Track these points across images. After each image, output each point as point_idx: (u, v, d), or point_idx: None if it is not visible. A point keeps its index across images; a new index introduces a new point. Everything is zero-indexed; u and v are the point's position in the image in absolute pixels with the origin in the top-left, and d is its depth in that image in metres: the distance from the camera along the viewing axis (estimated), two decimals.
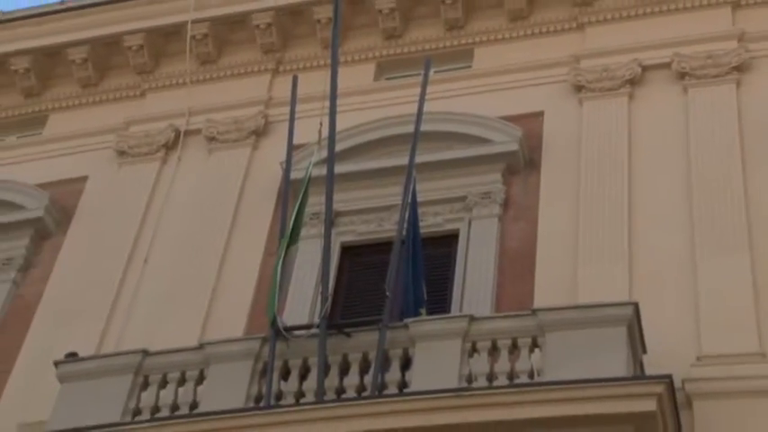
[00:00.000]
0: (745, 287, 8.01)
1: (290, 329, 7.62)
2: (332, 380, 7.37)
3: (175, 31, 10.90)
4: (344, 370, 7.43)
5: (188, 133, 10.44)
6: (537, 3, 10.34)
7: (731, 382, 7.48)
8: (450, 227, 9.04)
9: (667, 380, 6.73)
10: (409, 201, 8.14)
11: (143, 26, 11.12)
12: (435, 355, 7.28)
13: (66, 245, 9.99)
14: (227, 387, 7.48)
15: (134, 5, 11.27)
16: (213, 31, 10.86)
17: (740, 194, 8.56)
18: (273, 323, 7.58)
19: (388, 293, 7.64)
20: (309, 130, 8.77)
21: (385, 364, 7.37)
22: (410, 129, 8.51)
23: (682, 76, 9.48)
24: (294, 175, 8.68)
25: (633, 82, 9.54)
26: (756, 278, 8.04)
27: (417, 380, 7.19)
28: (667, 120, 9.28)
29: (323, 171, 8.39)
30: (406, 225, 8.06)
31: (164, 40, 11.03)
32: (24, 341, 9.35)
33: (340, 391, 7.33)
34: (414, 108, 8.57)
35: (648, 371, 7.24)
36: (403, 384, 7.25)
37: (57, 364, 8.01)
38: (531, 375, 7.09)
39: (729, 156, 8.83)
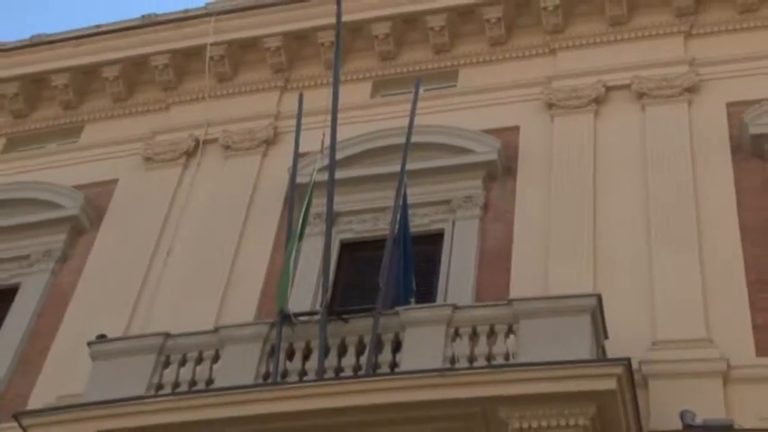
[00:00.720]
0: (695, 281, 8.05)
1: (294, 316, 7.63)
2: (331, 360, 7.41)
3: (196, 53, 10.91)
4: (342, 351, 7.47)
5: (206, 142, 10.47)
6: (514, 30, 10.37)
7: (682, 365, 7.51)
8: (436, 227, 9.07)
9: (626, 362, 6.76)
10: (400, 203, 8.18)
11: (168, 48, 11.15)
12: (422, 339, 7.31)
13: (98, 240, 10.01)
14: (240, 366, 7.52)
15: (161, 30, 11.34)
16: (229, 53, 10.90)
17: (691, 200, 8.60)
18: (281, 309, 7.60)
19: (381, 285, 7.65)
20: (313, 140, 8.80)
21: (378, 346, 7.39)
22: (402, 140, 8.55)
23: (640, 96, 9.51)
24: (299, 179, 8.71)
25: (598, 101, 9.58)
26: (704, 273, 8.09)
27: (406, 361, 7.22)
28: (627, 134, 9.32)
29: (325, 176, 8.43)
30: (397, 225, 8.09)
31: (186, 60, 11.05)
32: (61, 324, 9.37)
33: (338, 370, 7.37)
34: (405, 122, 8.61)
35: (610, 354, 7.28)
36: (394, 364, 7.28)
37: (89, 344, 8.03)
38: (506, 357, 7.12)
39: (681, 166, 8.87)
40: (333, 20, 9.29)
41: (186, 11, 11.36)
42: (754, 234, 8.28)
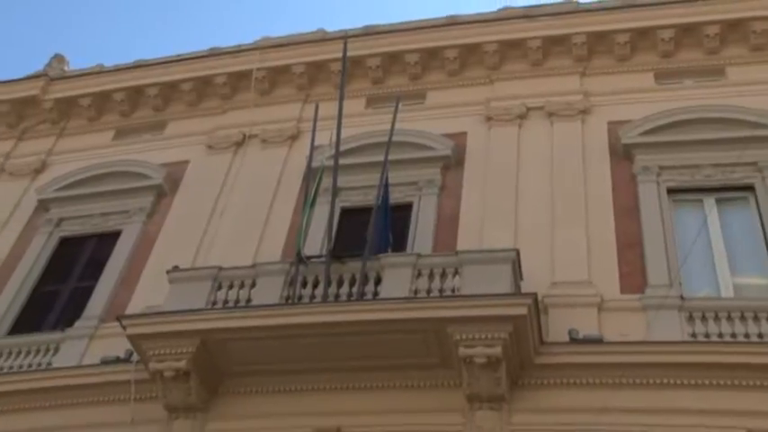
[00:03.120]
0: (582, 243, 7.94)
1: (307, 258, 7.54)
2: (332, 289, 7.33)
3: (246, 75, 10.61)
4: (340, 283, 7.40)
5: (250, 137, 10.20)
6: (465, 66, 10.12)
7: (571, 298, 7.46)
8: (407, 200, 8.89)
9: (533, 296, 6.76)
10: (384, 183, 8.03)
11: (226, 71, 10.76)
12: (396, 277, 7.23)
13: (174, 202, 9.78)
14: (269, 290, 7.41)
15: (223, 58, 10.90)
16: (268, 76, 10.63)
17: (581, 187, 8.40)
18: (298, 253, 7.49)
19: (368, 238, 7.53)
20: (324, 137, 8.62)
21: (365, 280, 7.31)
22: (385, 139, 8.39)
23: (550, 114, 9.33)
24: (314, 164, 8.52)
25: (521, 117, 9.37)
26: (588, 238, 7.98)
27: (384, 291, 7.16)
28: (540, 141, 9.13)
29: (331, 163, 8.29)
30: (381, 198, 7.94)
31: (238, 80, 10.73)
32: (148, 258, 9.18)
33: (337, 295, 7.30)
34: (388, 126, 8.45)
35: (523, 290, 7.17)
36: (375, 293, 7.21)
37: (168, 272, 7.89)
38: (453, 291, 7.05)
39: (576, 164, 8.69)
40: (340, 54, 9.11)
41: (240, 45, 11.09)
42: (622, 212, 8.18)
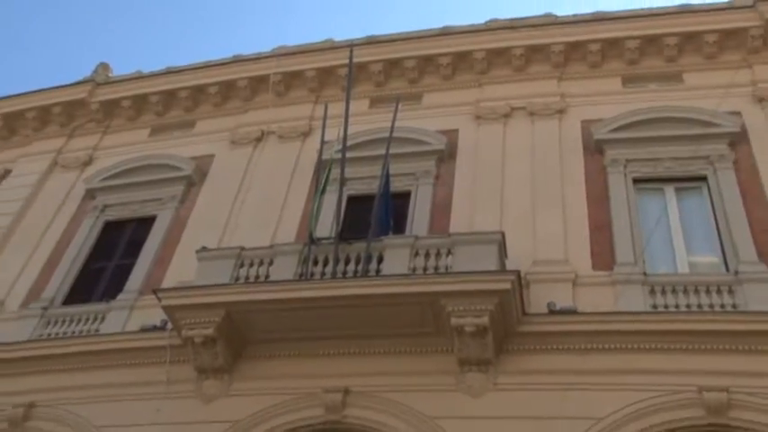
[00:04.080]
0: (559, 226, 7.73)
1: (318, 239, 7.35)
2: (340, 267, 7.14)
3: (264, 79, 10.34)
4: (347, 262, 7.20)
5: (268, 133, 9.95)
6: (457, 72, 9.83)
7: (549, 275, 7.29)
8: (406, 188, 8.66)
9: (517, 273, 6.62)
10: (385, 173, 7.80)
11: (248, 75, 10.45)
12: (396, 256, 7.05)
13: (202, 190, 9.55)
14: (285, 268, 7.23)
15: (246, 64, 10.56)
16: (284, 79, 10.34)
17: (558, 178, 8.21)
18: (310, 235, 7.22)
19: (372, 222, 7.35)
20: (333, 133, 8.37)
21: (368, 259, 7.10)
22: (387, 135, 8.13)
23: (531, 114, 9.07)
24: (324, 157, 8.28)
25: (506, 115, 9.12)
26: (565, 221, 7.77)
27: (386, 269, 6.97)
28: (523, 136, 8.87)
29: (339, 156, 8.03)
30: (383, 187, 7.72)
31: (258, 83, 10.45)
32: (180, 240, 8.96)
33: (344, 273, 7.10)
34: (389, 124, 8.19)
35: (508, 267, 6.94)
36: (378, 270, 7.01)
37: (197, 252, 7.70)
38: (446, 268, 6.87)
39: (554, 156, 8.47)
40: (347, 61, 8.84)
41: (259, 53, 10.76)
42: (594, 199, 7.97)
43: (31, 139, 10.78)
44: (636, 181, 7.96)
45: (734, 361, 5.98)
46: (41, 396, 7.21)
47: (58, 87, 10.94)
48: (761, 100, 8.20)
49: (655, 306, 6.71)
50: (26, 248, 9.21)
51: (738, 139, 7.91)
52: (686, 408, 5.81)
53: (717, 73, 8.69)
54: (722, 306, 6.53)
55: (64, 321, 8.19)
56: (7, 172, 10.40)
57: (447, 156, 8.83)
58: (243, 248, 7.46)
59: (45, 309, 8.33)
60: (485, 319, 6.24)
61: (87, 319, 8.13)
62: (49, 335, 8.00)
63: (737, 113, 8.13)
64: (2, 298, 8.58)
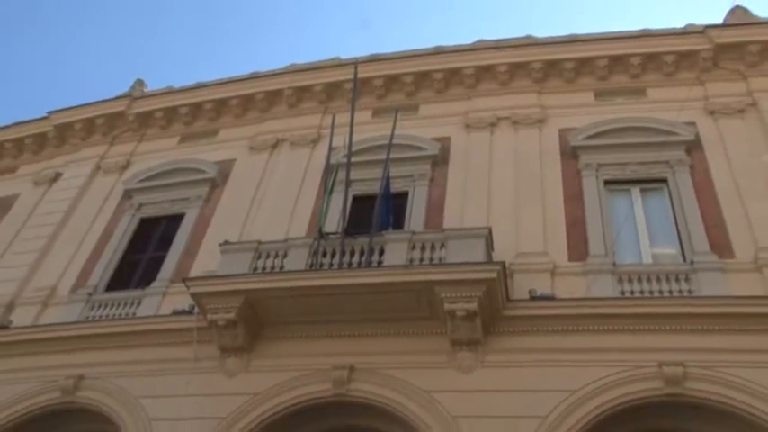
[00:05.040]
0: (539, 222, 7.54)
1: (326, 234, 7.15)
2: (346, 258, 6.94)
3: (279, 93, 10.08)
4: (352, 254, 7.00)
5: (282, 140, 9.70)
6: (449, 86, 9.57)
7: (531, 266, 7.11)
8: (404, 189, 8.44)
9: (502, 263, 6.48)
10: (386, 176, 7.59)
11: (266, 90, 10.15)
12: (395, 249, 6.86)
13: (225, 191, 9.31)
14: (297, 259, 7.04)
15: (267, 78, 10.30)
16: (296, 93, 10.09)
17: (539, 180, 8.02)
18: (320, 230, 7.02)
19: (374, 219, 7.14)
20: (339, 140, 8.17)
21: (371, 252, 6.91)
22: (387, 142, 7.93)
23: (515, 123, 8.85)
24: (332, 161, 8.04)
25: (493, 125, 8.89)
26: (544, 219, 7.57)
27: (387, 260, 6.78)
28: (507, 143, 8.61)
29: (344, 160, 7.81)
30: (384, 188, 7.51)
31: (273, 96, 10.17)
32: (205, 235, 8.76)
33: (350, 263, 6.90)
34: (389, 132, 7.98)
35: (494, 259, 6.76)
36: (380, 262, 6.81)
37: (220, 245, 7.50)
38: (440, 260, 6.67)
39: (535, 161, 8.25)
40: (352, 76, 8.63)
41: (273, 70, 10.52)
42: (569, 198, 7.77)
43: (79, 146, 10.70)
44: (606, 182, 7.80)
45: (689, 339, 5.94)
46: (89, 369, 7.13)
47: (100, 102, 10.82)
48: (712, 112, 8.18)
49: (623, 292, 6.62)
50: (74, 242, 9.11)
51: (694, 147, 7.89)
52: (648, 380, 5.77)
53: (675, 89, 8.59)
54: (680, 292, 6.46)
55: (106, 305, 8.09)
56: (58, 175, 10.33)
57: (440, 160, 8.62)
58: (260, 242, 7.28)
59: (90, 294, 8.25)
60: (474, 305, 6.11)
61: (126, 304, 8.01)
62: (94, 317, 7.94)
63: (693, 124, 8.10)
64: (54, 284, 8.49)
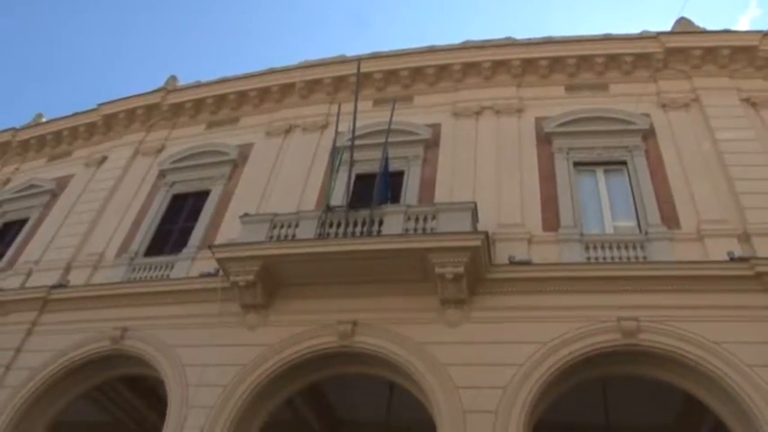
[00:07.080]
0: (517, 198, 7.04)
1: (333, 207, 6.64)
2: (350, 228, 6.44)
3: (292, 85, 9.38)
4: (355, 225, 6.51)
5: (294, 126, 9.05)
6: (440, 79, 8.89)
7: (510, 235, 6.64)
8: (401, 168, 7.90)
9: (485, 233, 5.97)
10: (384, 157, 7.06)
11: (280, 83, 9.37)
12: (393, 220, 6.37)
13: (244, 171, 8.69)
14: (307, 229, 6.54)
15: (284, 72, 9.52)
16: (307, 85, 9.40)
17: (517, 161, 7.46)
18: (327, 204, 6.57)
19: (374, 194, 6.66)
20: (344, 126, 7.60)
21: (371, 223, 6.41)
22: (386, 127, 7.39)
23: (497, 112, 8.29)
24: (338, 145, 7.52)
25: (478, 113, 8.32)
26: (522, 195, 7.08)
27: (386, 230, 6.27)
28: (489, 129, 8.09)
29: (349, 143, 7.23)
30: (383, 167, 6.98)
31: (285, 89, 9.45)
32: (228, 208, 8.20)
33: (354, 233, 6.40)
34: (388, 119, 7.43)
35: (479, 229, 6.28)
36: (379, 231, 6.32)
37: (240, 217, 7.00)
38: (431, 230, 6.21)
39: (514, 145, 7.71)
40: (356, 71, 8.03)
41: (287, 66, 9.74)
42: (544, 177, 7.27)
43: (122, 133, 10.28)
44: (575, 164, 7.36)
45: (643, 298, 5.72)
46: (131, 323, 6.85)
47: (140, 95, 10.38)
48: (663, 106, 7.81)
49: (588, 258, 6.32)
50: (118, 214, 8.72)
51: (648, 134, 7.53)
52: (608, 333, 5.58)
53: (632, 85, 8.20)
54: (636, 257, 6.24)
55: (145, 268, 7.79)
56: (105, 158, 9.97)
57: (432, 144, 8.08)
58: (275, 214, 6.80)
59: (132, 259, 7.93)
60: (461, 269, 5.75)
61: (161, 267, 7.67)
62: (135, 278, 7.65)
63: (648, 115, 7.75)
64: (102, 250, 8.16)
